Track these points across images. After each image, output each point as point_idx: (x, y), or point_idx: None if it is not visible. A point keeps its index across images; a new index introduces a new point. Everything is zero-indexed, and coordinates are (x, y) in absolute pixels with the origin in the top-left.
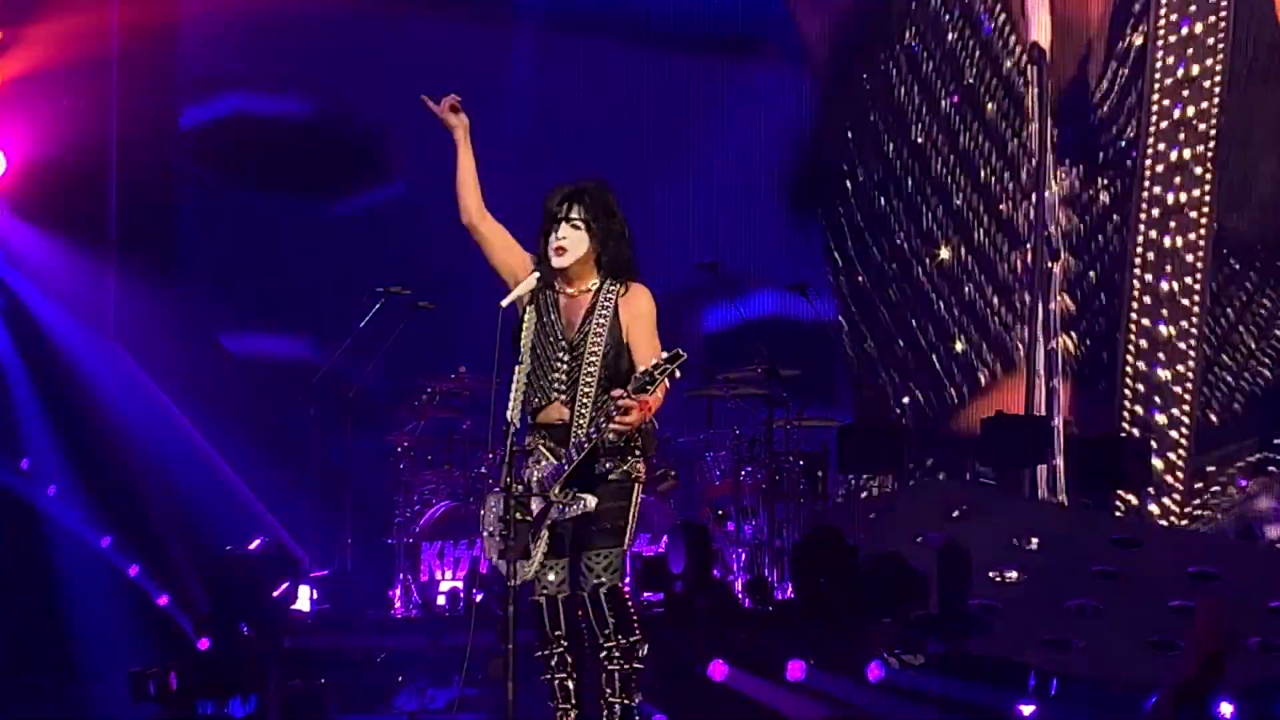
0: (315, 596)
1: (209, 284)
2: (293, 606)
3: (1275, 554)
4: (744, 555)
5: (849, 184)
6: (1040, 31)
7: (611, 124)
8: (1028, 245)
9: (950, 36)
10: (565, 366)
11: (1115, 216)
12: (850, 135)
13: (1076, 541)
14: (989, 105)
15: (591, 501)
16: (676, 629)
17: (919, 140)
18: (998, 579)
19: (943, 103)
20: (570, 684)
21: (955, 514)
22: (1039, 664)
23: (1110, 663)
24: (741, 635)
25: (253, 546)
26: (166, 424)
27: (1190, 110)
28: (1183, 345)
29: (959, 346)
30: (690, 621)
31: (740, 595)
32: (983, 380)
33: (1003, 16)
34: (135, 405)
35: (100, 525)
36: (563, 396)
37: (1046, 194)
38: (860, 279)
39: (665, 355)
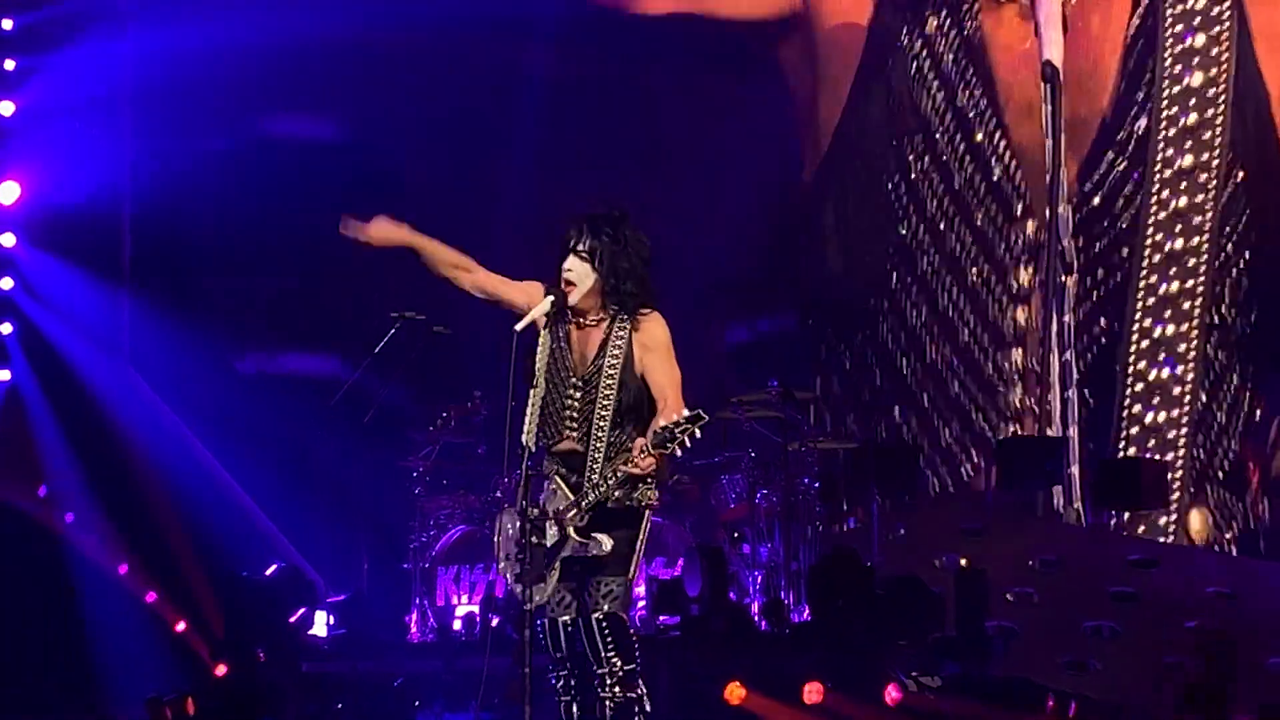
0: (331, 621)
1: (223, 310)
2: (309, 632)
3: None
4: (760, 578)
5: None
6: (1053, 49)
7: (624, 141)
8: (1038, 259)
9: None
10: (576, 402)
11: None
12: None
13: (1093, 562)
14: (979, 210)
15: (607, 544)
16: (693, 652)
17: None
18: (1015, 600)
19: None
20: (575, 707)
21: (972, 535)
22: (1057, 686)
23: (1128, 684)
24: (758, 658)
25: (269, 572)
26: (183, 450)
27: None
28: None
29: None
30: (707, 644)
31: (757, 618)
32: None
33: (993, 122)
34: (151, 431)
35: (117, 552)
36: (575, 432)
37: (1060, 209)
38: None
39: (687, 415)
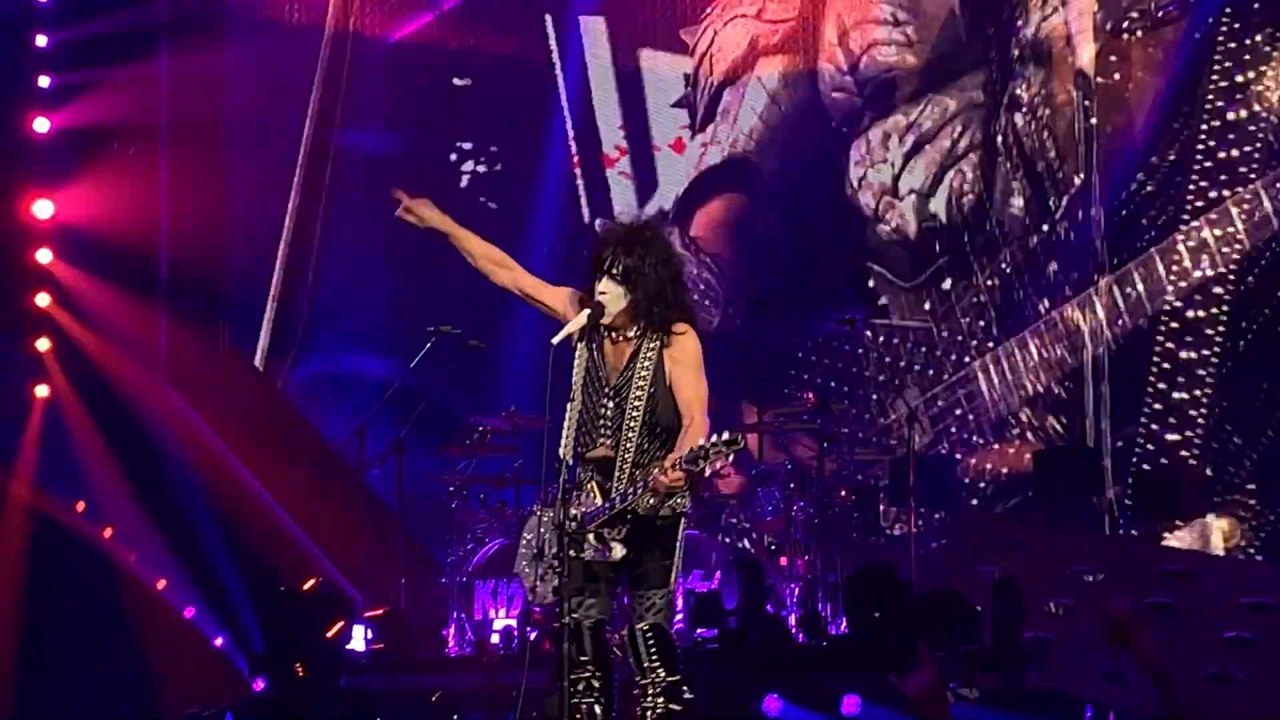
0: (369, 636)
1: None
2: (347, 646)
3: None
4: (797, 590)
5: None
6: (1085, 60)
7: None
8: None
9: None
10: (610, 411)
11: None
12: None
13: (1130, 573)
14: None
15: (619, 552)
16: (730, 664)
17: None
18: (1052, 612)
19: None
20: (598, 709)
21: (1009, 547)
22: (1095, 697)
23: None
24: (795, 671)
25: (307, 587)
26: (221, 466)
27: None
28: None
29: None
30: (744, 657)
31: (794, 630)
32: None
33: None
34: (189, 446)
35: (157, 566)
36: (608, 440)
37: (1093, 211)
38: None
39: (724, 438)
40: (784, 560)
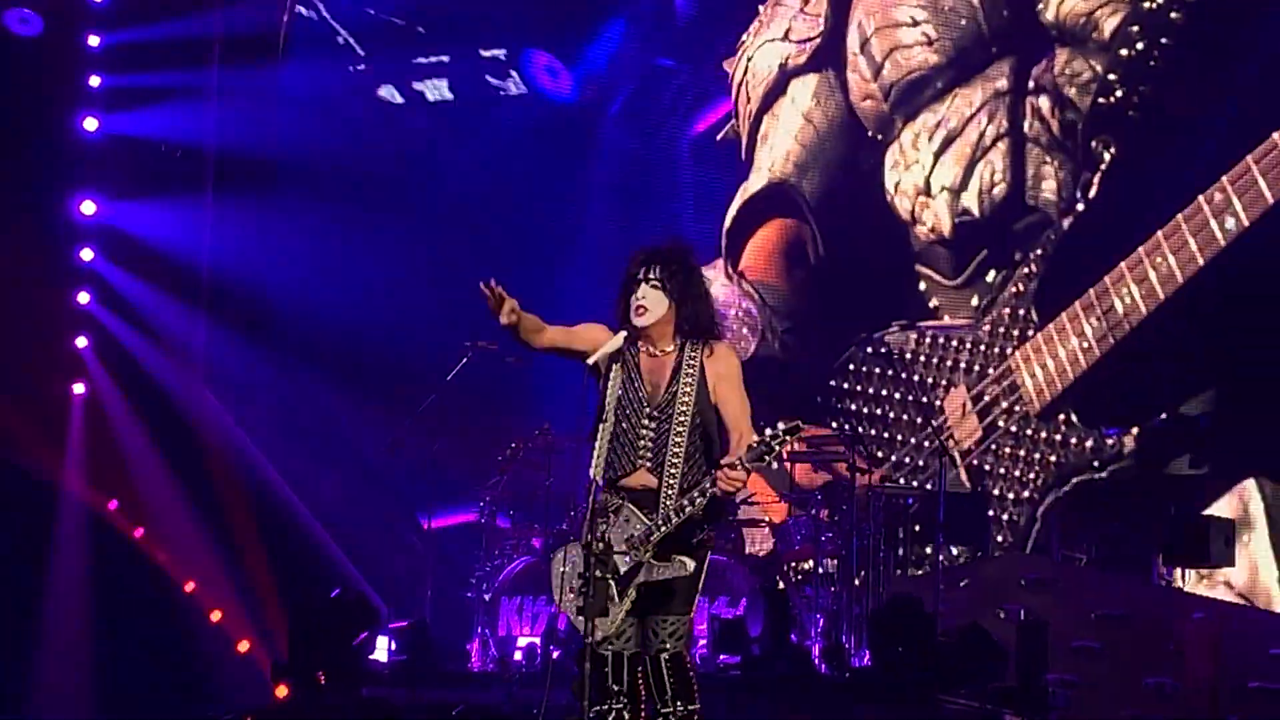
0: (393, 647)
1: (299, 336)
2: (370, 656)
3: None
4: (822, 621)
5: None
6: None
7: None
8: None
9: None
10: (651, 432)
11: None
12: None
13: (1156, 617)
14: None
15: (690, 564)
16: (752, 692)
17: None
18: (1077, 653)
19: None
20: None
21: (1036, 587)
22: None
23: None
24: (817, 701)
25: (333, 595)
26: (254, 472)
27: None
28: None
29: None
30: (767, 685)
31: (817, 661)
32: None
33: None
34: (224, 450)
35: (185, 569)
36: (649, 463)
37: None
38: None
39: (784, 426)
40: (810, 590)
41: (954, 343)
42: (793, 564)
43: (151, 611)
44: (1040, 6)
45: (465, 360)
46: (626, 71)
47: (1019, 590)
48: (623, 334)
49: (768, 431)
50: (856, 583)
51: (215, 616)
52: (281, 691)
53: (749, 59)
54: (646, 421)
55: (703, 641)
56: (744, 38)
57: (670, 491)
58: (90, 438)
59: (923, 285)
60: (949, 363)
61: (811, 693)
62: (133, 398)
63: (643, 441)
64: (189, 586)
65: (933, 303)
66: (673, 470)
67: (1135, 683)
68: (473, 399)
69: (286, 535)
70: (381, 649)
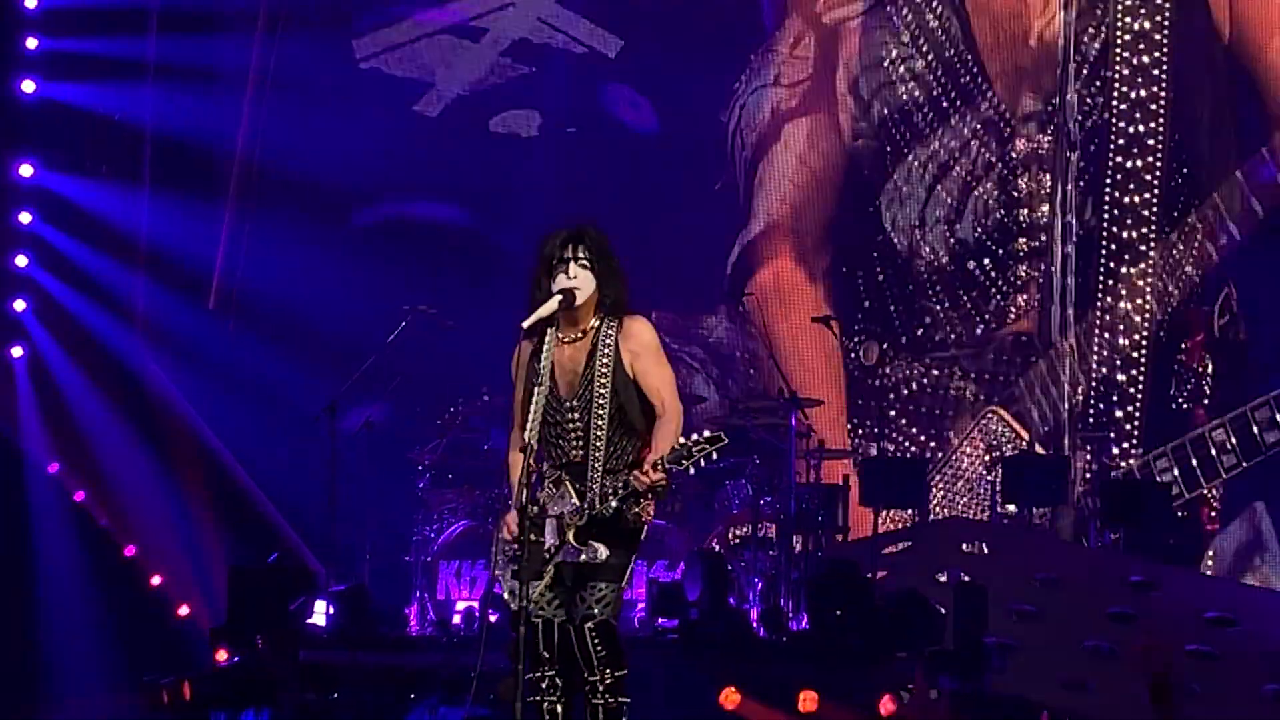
0: (331, 611)
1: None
2: (308, 620)
3: None
4: (760, 585)
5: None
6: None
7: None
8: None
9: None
10: (575, 419)
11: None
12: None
13: (1094, 582)
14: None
15: (603, 553)
16: (690, 655)
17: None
18: (1015, 618)
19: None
20: (559, 708)
21: (975, 551)
22: (1054, 704)
23: (1125, 705)
24: (755, 664)
25: (271, 559)
26: (197, 434)
27: None
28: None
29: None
30: (704, 649)
31: (755, 624)
32: None
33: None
34: (163, 413)
35: (124, 535)
36: (579, 450)
37: (1068, 188)
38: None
39: (708, 435)
40: (748, 554)
41: (958, 371)
42: (731, 528)
43: (92, 574)
44: (1026, 31)
45: (404, 324)
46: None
47: (959, 555)
48: (556, 298)
49: (693, 437)
50: (795, 547)
51: (155, 581)
52: (220, 655)
53: (741, 106)
54: (570, 414)
55: (641, 605)
56: (735, 85)
57: (596, 469)
58: (36, 401)
59: (927, 319)
60: (954, 393)
61: (749, 656)
62: (78, 360)
63: (573, 430)
64: (129, 550)
65: (937, 335)
66: (596, 453)
67: (1075, 645)
68: (411, 363)
69: (228, 498)
70: (320, 613)
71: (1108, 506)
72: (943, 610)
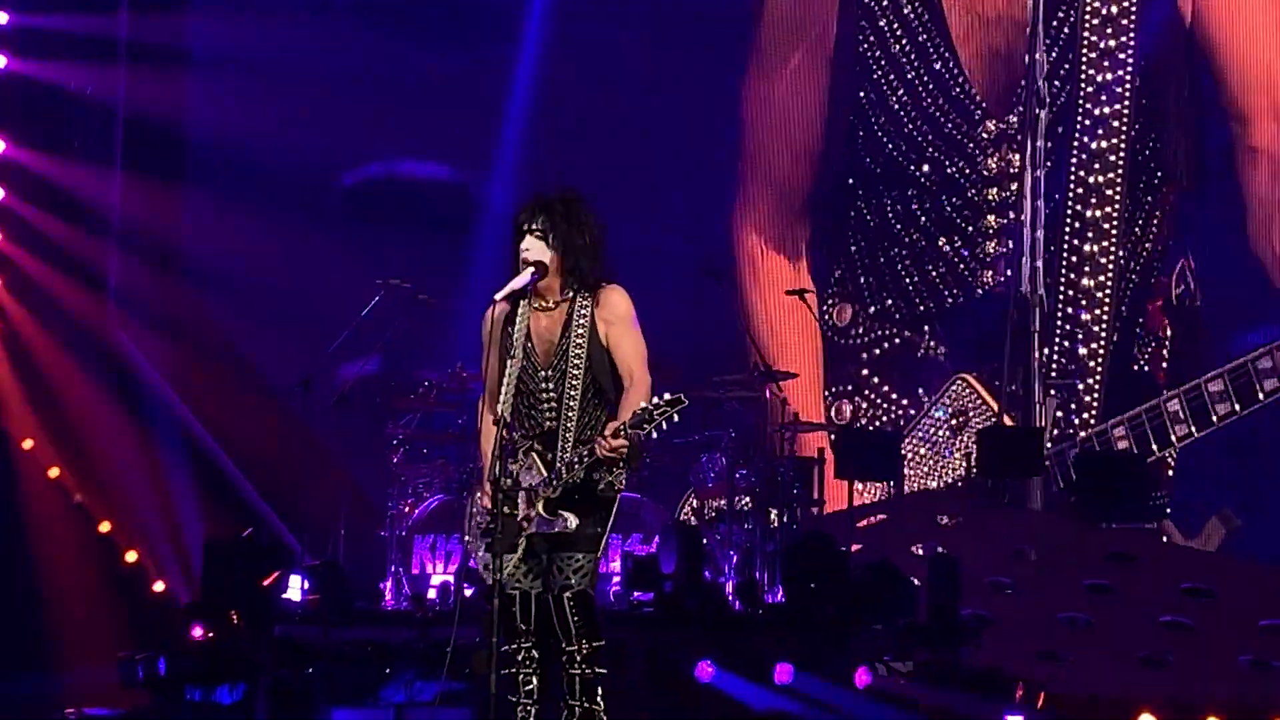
0: (306, 586)
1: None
2: (283, 595)
3: (1269, 573)
4: (735, 558)
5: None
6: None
7: (624, 122)
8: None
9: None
10: (551, 390)
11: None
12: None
13: (1071, 554)
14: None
15: (573, 522)
16: (666, 629)
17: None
18: (990, 589)
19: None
20: (534, 680)
21: (950, 524)
22: (1028, 675)
23: (1099, 677)
24: (730, 637)
25: (245, 534)
26: (164, 411)
27: None
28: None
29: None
30: (679, 622)
31: (730, 598)
32: None
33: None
34: (135, 390)
35: (98, 512)
36: (552, 420)
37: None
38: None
39: (668, 399)
40: (723, 527)
41: (929, 332)
42: (706, 501)
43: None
44: (998, 14)
45: (378, 298)
46: None
47: (934, 527)
48: (529, 270)
49: (653, 400)
50: (771, 520)
51: (131, 557)
52: (195, 631)
53: (722, 84)
54: (545, 385)
55: (616, 579)
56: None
57: (567, 438)
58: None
59: (898, 291)
60: (926, 353)
61: (724, 629)
62: (54, 336)
63: (546, 400)
64: (104, 526)
65: (906, 306)
66: (569, 419)
67: (1050, 617)
68: (386, 337)
69: (206, 474)
70: (295, 588)
71: (1084, 480)
72: (916, 582)
